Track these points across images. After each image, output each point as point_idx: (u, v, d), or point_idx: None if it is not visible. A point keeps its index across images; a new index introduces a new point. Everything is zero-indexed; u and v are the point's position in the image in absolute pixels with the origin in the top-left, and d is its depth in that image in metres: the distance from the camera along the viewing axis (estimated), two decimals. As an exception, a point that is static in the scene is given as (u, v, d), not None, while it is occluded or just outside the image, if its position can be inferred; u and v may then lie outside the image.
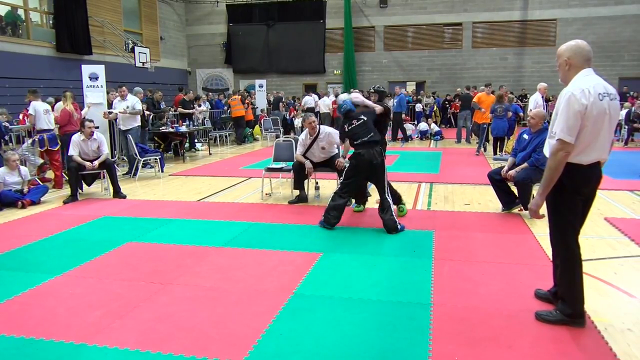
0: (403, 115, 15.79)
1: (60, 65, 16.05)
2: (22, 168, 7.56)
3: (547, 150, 3.13)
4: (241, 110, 15.54)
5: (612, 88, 3.07)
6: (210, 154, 13.16)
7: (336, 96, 17.88)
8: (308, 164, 6.77)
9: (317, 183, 7.42)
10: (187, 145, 12.87)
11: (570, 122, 2.92)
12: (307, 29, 23.50)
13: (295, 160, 7.07)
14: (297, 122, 16.44)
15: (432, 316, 3.39)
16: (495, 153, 11.45)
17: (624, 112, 14.19)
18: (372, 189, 7.65)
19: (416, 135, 16.31)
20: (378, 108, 5.92)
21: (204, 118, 15.46)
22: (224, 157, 12.66)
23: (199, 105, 15.29)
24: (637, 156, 9.42)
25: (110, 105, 10.60)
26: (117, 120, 10.04)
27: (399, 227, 5.44)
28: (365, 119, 5.66)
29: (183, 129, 12.09)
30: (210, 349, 3.01)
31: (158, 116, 12.31)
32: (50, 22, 16.72)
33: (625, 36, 20.65)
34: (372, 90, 6.37)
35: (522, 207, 6.08)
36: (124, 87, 9.97)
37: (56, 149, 8.57)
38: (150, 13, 21.77)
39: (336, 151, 6.97)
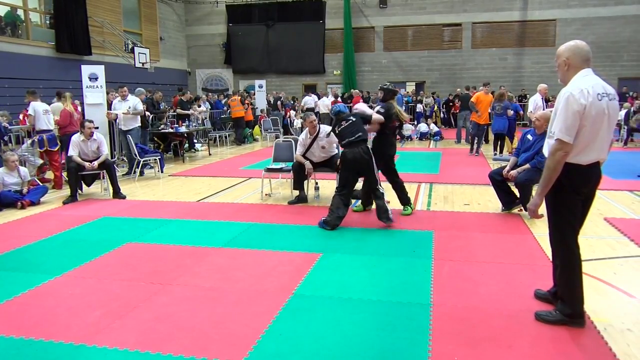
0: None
1: (59, 65, 16.05)
2: (22, 169, 7.56)
3: (546, 150, 3.14)
4: (241, 110, 15.55)
5: (611, 88, 3.08)
6: (210, 154, 13.16)
7: (335, 97, 17.90)
8: (308, 165, 6.77)
9: (316, 183, 7.42)
10: (186, 145, 12.87)
11: (568, 122, 2.93)
12: (307, 29, 23.51)
13: (295, 160, 7.07)
14: (297, 122, 16.44)
15: (431, 316, 3.39)
16: (495, 152, 11.49)
17: (623, 112, 14.20)
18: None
19: (416, 136, 16.31)
20: (375, 117, 5.96)
21: (204, 118, 15.46)
22: (224, 157, 12.66)
23: (199, 106, 15.29)
24: (636, 156, 9.42)
25: (109, 105, 10.60)
26: (118, 120, 10.03)
27: (390, 215, 5.61)
28: (353, 119, 5.81)
29: (183, 129, 12.10)
30: (210, 349, 3.01)
31: (158, 117, 12.31)
32: (48, 22, 16.72)
33: (625, 36, 20.67)
34: (378, 88, 6.31)
35: (522, 208, 6.09)
36: (124, 88, 9.96)
37: (56, 149, 8.57)
38: (149, 13, 21.78)
39: (336, 151, 6.98)
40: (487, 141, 13.59)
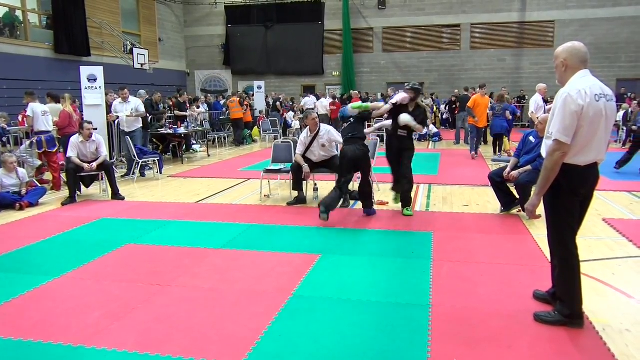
0: None
1: (58, 66, 16.05)
2: (20, 170, 7.55)
3: (544, 151, 3.14)
4: (239, 112, 15.54)
5: (608, 89, 3.09)
6: (208, 155, 13.15)
7: (333, 98, 17.89)
8: (306, 169, 6.76)
9: (315, 184, 7.43)
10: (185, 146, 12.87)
11: (566, 123, 2.94)
12: (306, 30, 23.52)
13: (294, 161, 7.07)
14: (296, 124, 16.44)
15: (430, 317, 3.39)
16: (495, 153, 11.52)
17: (621, 113, 14.23)
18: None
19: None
20: (384, 109, 6.45)
21: (203, 120, 15.46)
22: (223, 158, 12.66)
23: (197, 107, 15.29)
24: (635, 157, 9.44)
25: (108, 107, 10.60)
26: (120, 122, 10.01)
27: (374, 201, 6.32)
28: (352, 120, 6.34)
29: (181, 130, 12.09)
30: (209, 350, 3.01)
31: (157, 118, 12.31)
32: (45, 22, 16.70)
33: (623, 38, 20.71)
34: (408, 88, 6.36)
35: (520, 208, 6.09)
36: (125, 90, 9.95)
37: (54, 150, 8.56)
38: (148, 14, 21.78)
39: (336, 152, 6.98)
40: (485, 142, 13.61)
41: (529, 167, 5.88)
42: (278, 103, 18.20)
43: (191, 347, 3.06)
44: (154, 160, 9.72)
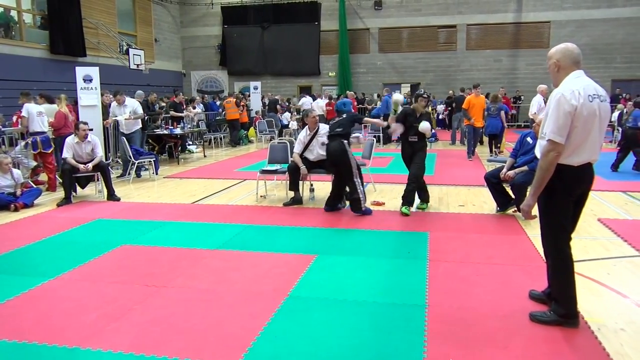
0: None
1: (53, 67, 15.99)
2: (15, 171, 7.53)
3: (538, 151, 3.15)
4: (235, 112, 15.53)
5: (602, 90, 3.10)
6: (204, 156, 13.13)
7: (329, 98, 17.89)
8: (303, 170, 6.75)
9: (311, 185, 7.43)
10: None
11: (560, 123, 2.95)
12: (302, 30, 23.52)
13: (291, 160, 7.07)
14: (293, 124, 16.43)
15: (427, 317, 3.40)
16: (491, 152, 11.57)
17: (616, 113, 14.29)
18: (367, 190, 7.68)
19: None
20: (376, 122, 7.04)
21: (199, 120, 15.44)
22: (219, 159, 12.64)
23: (194, 108, 15.27)
24: (630, 157, 9.50)
25: (104, 107, 10.57)
26: (120, 125, 9.99)
27: (363, 207, 6.22)
28: (344, 116, 6.60)
29: (177, 131, 12.07)
30: (205, 352, 3.00)
31: (152, 118, 12.28)
32: (39, 22, 16.64)
33: (618, 38, 20.80)
34: (425, 96, 6.61)
35: (516, 209, 6.11)
36: (122, 95, 9.90)
37: (50, 151, 8.53)
38: (144, 15, 21.75)
39: None
40: (481, 142, 13.64)
41: (525, 168, 5.89)
42: (278, 106, 18.14)
43: (187, 348, 3.05)
44: (150, 161, 9.70)
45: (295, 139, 7.50)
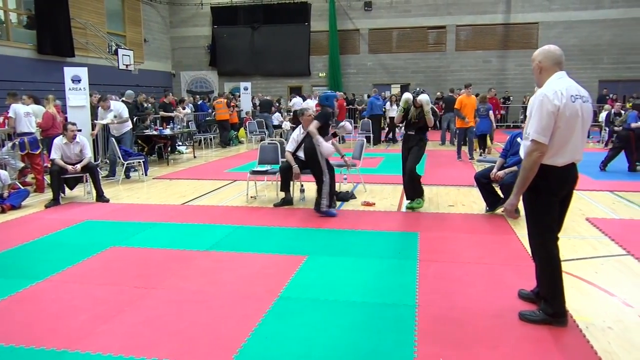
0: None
1: (41, 67, 15.84)
2: (2, 172, 7.44)
3: (522, 152, 3.19)
4: (226, 113, 15.49)
5: (584, 91, 3.15)
6: (194, 157, 13.08)
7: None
8: (296, 169, 6.74)
9: (302, 186, 7.42)
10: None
11: (543, 123, 2.99)
12: (292, 31, 23.51)
13: (285, 158, 7.05)
14: (286, 124, 16.40)
15: (417, 317, 3.41)
16: (481, 152, 11.67)
17: (604, 114, 14.44)
18: (357, 191, 7.69)
19: (400, 138, 16.36)
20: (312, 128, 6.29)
21: (189, 121, 15.36)
22: (209, 160, 12.60)
23: (183, 108, 15.21)
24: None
25: (93, 108, 10.49)
26: (110, 128, 9.93)
27: (323, 208, 6.13)
28: (319, 115, 6.47)
29: (167, 131, 12.01)
30: (196, 353, 2.99)
31: (141, 119, 12.21)
32: (25, 22, 16.48)
33: (605, 40, 21.01)
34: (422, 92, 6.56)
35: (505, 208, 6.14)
36: (107, 99, 9.81)
37: (37, 152, 8.45)
38: (133, 15, 21.61)
39: None
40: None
41: (515, 168, 5.94)
42: (273, 107, 18.05)
43: (177, 350, 3.04)
44: (139, 162, 9.64)
45: (287, 140, 7.49)
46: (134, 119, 11.72)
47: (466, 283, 4.02)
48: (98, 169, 8.20)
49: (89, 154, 7.65)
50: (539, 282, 3.36)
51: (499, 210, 6.26)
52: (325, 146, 6.11)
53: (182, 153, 13.59)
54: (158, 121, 13.39)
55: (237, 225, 5.94)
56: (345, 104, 18.74)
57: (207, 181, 9.18)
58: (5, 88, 10.79)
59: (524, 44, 21.81)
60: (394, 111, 14.68)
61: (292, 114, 16.92)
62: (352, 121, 17.01)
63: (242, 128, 16.99)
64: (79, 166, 7.40)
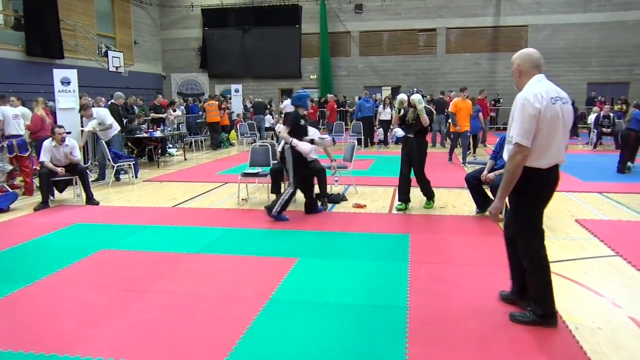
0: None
1: (30, 69, 15.72)
2: (-10, 175, 7.37)
3: (505, 155, 3.22)
4: (216, 115, 15.44)
5: (564, 93, 3.19)
6: (185, 159, 13.03)
7: (311, 101, 17.89)
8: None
9: (293, 188, 7.41)
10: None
11: (525, 126, 3.02)
12: (283, 33, 23.53)
13: (276, 160, 7.03)
14: (279, 127, 16.35)
15: (408, 319, 3.42)
16: (469, 153, 11.78)
17: (592, 116, 14.58)
18: (348, 193, 7.69)
19: (392, 140, 16.40)
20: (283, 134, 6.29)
21: (179, 123, 15.29)
22: (200, 162, 12.55)
23: (174, 110, 15.14)
24: (606, 159, 9.72)
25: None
26: (98, 133, 9.87)
27: (274, 212, 6.03)
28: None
29: (157, 134, 11.95)
30: (187, 356, 2.98)
31: (130, 120, 12.14)
32: (12, 23, 16.34)
33: (593, 43, 21.22)
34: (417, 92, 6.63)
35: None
36: (88, 108, 9.74)
37: (26, 154, 8.37)
38: (123, 17, 21.51)
39: (316, 157, 6.97)
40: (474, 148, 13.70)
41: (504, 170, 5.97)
42: (267, 110, 17.98)
43: (168, 353, 3.02)
44: (130, 164, 9.58)
45: (278, 142, 7.47)
46: (124, 121, 11.66)
47: (457, 284, 4.04)
48: (87, 171, 8.14)
49: (78, 156, 7.60)
50: (528, 284, 3.37)
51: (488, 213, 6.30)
52: (303, 145, 6.07)
53: (173, 155, 13.53)
54: (148, 123, 13.32)
55: (228, 228, 5.93)
56: (335, 106, 18.79)
57: (198, 183, 9.15)
58: (-6, 90, 10.67)
59: (513, 46, 21.91)
60: (387, 114, 14.72)
61: (283, 116, 16.88)
62: (343, 123, 17.05)
63: (233, 130, 16.95)
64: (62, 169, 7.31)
